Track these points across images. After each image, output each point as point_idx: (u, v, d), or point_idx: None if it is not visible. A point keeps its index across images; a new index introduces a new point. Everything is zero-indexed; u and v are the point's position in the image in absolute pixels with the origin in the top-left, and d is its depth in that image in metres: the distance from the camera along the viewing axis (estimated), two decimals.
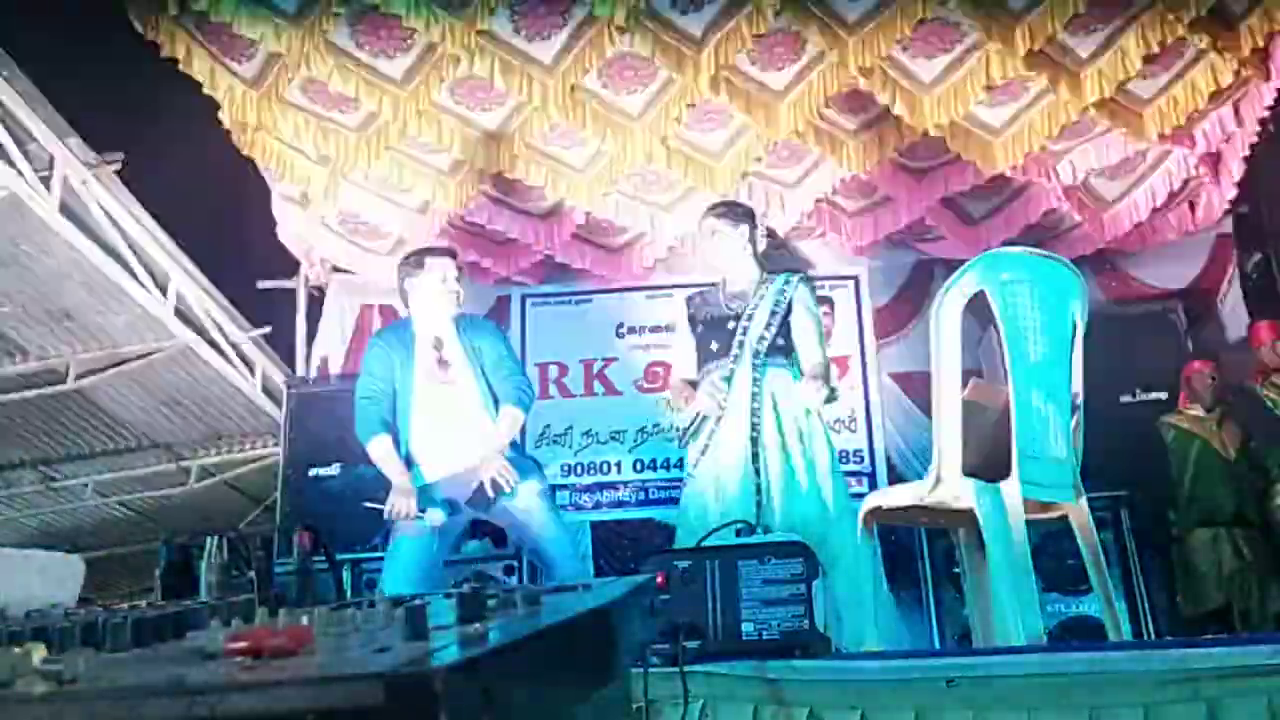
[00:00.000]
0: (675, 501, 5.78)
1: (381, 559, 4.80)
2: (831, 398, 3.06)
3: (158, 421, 6.84)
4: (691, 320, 3.26)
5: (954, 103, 4.60)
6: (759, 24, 4.15)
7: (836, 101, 4.68)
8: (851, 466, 5.71)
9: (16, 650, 0.53)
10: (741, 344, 3.06)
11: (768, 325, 3.07)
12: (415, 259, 3.40)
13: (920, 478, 2.63)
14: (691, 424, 3.12)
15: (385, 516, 3.13)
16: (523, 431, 5.85)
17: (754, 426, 2.96)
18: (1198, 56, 4.44)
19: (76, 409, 6.50)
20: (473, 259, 5.87)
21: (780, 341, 3.09)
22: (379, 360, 3.35)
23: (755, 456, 2.93)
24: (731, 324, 3.11)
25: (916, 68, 4.61)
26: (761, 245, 3.27)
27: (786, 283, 3.16)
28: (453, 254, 3.45)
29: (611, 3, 4.02)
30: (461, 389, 3.25)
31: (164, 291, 5.12)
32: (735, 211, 3.31)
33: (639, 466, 5.82)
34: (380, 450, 3.25)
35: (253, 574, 1.13)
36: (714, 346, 3.13)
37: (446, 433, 3.22)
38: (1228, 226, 5.66)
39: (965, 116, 4.70)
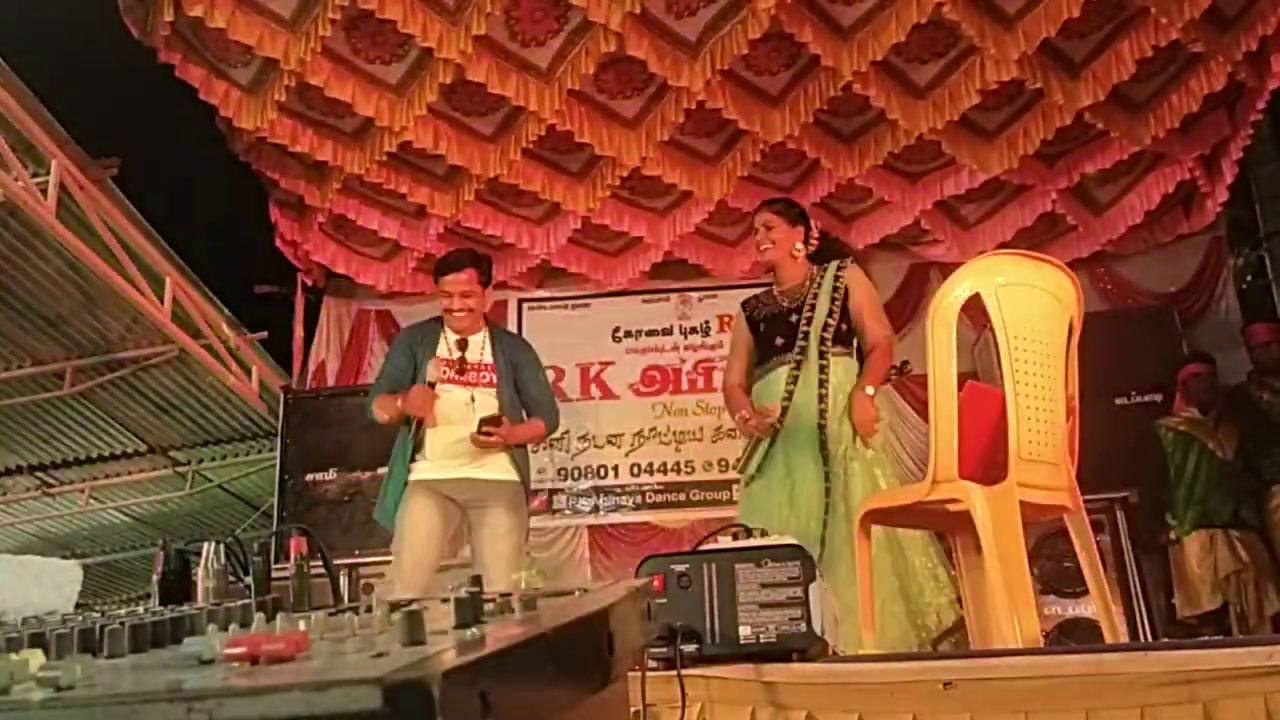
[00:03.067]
0: (672, 505, 5.82)
1: (376, 563, 4.81)
2: (900, 372, 3.11)
3: (154, 427, 6.84)
4: (751, 321, 3.27)
5: (949, 106, 4.62)
6: (754, 29, 4.16)
7: (832, 105, 4.69)
8: None
9: (14, 657, 0.53)
10: (806, 335, 3.07)
11: (830, 313, 3.08)
12: (436, 268, 3.38)
13: (916, 480, 2.63)
14: (749, 447, 3.16)
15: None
16: None
17: (821, 415, 2.97)
18: (1191, 60, 4.46)
19: (73, 414, 6.49)
20: None
21: (843, 328, 3.10)
22: (400, 351, 3.36)
23: (824, 445, 2.95)
24: (793, 317, 3.11)
25: (911, 71, 4.62)
26: (813, 245, 3.27)
27: (840, 268, 3.17)
28: (470, 265, 3.31)
29: (607, 8, 4.03)
30: (479, 393, 3.23)
31: (160, 297, 5.12)
32: (792, 209, 3.33)
33: (635, 470, 5.83)
34: (384, 402, 3.21)
35: (249, 579, 1.13)
36: (778, 342, 3.13)
37: (454, 428, 3.19)
38: (1222, 229, 5.68)
39: (960, 120, 4.72)
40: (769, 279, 3.34)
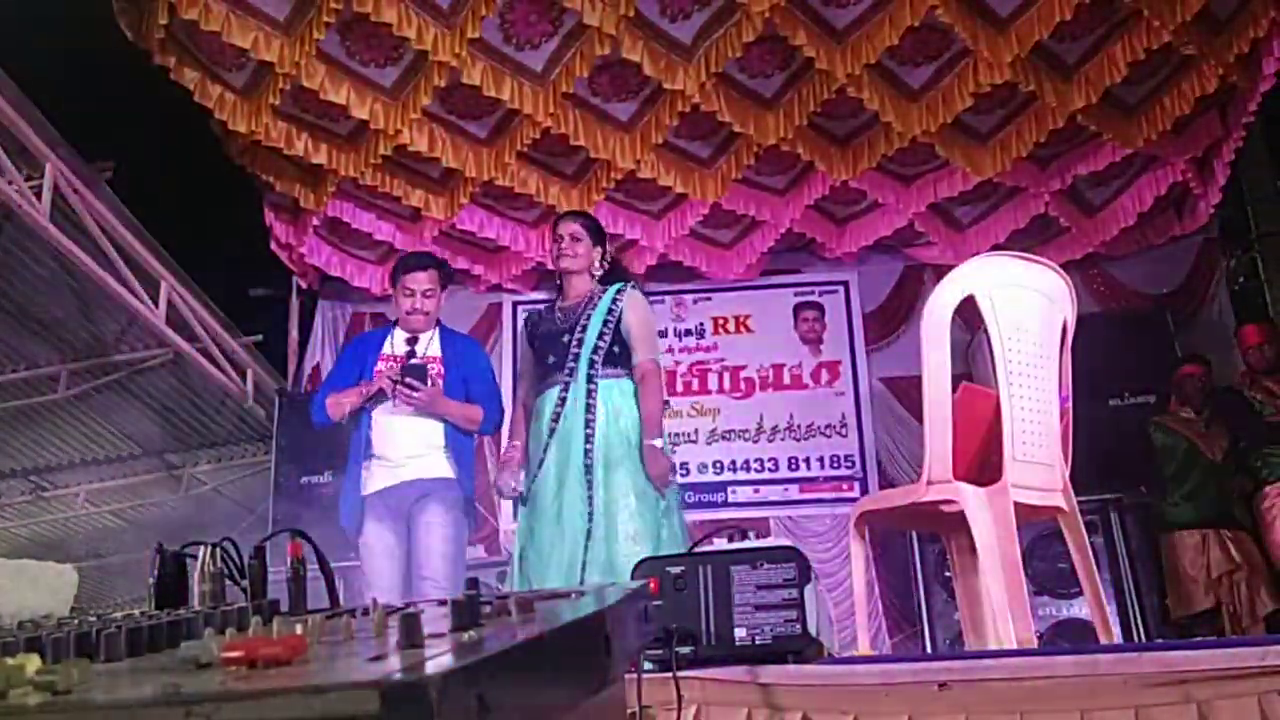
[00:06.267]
0: None
1: None
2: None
3: (150, 430, 6.82)
4: (530, 337, 3.21)
5: (942, 109, 4.63)
6: (748, 32, 4.17)
7: (826, 108, 4.70)
8: (843, 471, 5.73)
9: (10, 662, 0.53)
10: (576, 356, 3.01)
11: (600, 335, 3.02)
12: (397, 267, 3.43)
13: (911, 481, 2.63)
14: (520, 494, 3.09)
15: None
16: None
17: (588, 439, 2.93)
18: (1184, 63, 4.48)
19: (68, 418, 6.47)
20: (464, 266, 5.88)
21: (615, 350, 3.05)
22: (346, 358, 3.45)
23: (588, 469, 2.90)
24: (565, 337, 3.05)
25: (905, 74, 4.63)
26: (604, 268, 3.21)
27: (619, 291, 3.11)
28: (432, 266, 3.41)
29: (601, 11, 4.03)
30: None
31: (155, 300, 5.11)
32: (597, 227, 3.28)
33: None
34: (334, 399, 3.27)
35: (246, 582, 1.13)
36: (550, 360, 3.08)
37: (402, 432, 3.23)
38: (1214, 230, 5.70)
39: (954, 122, 4.73)
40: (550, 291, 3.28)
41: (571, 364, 3.01)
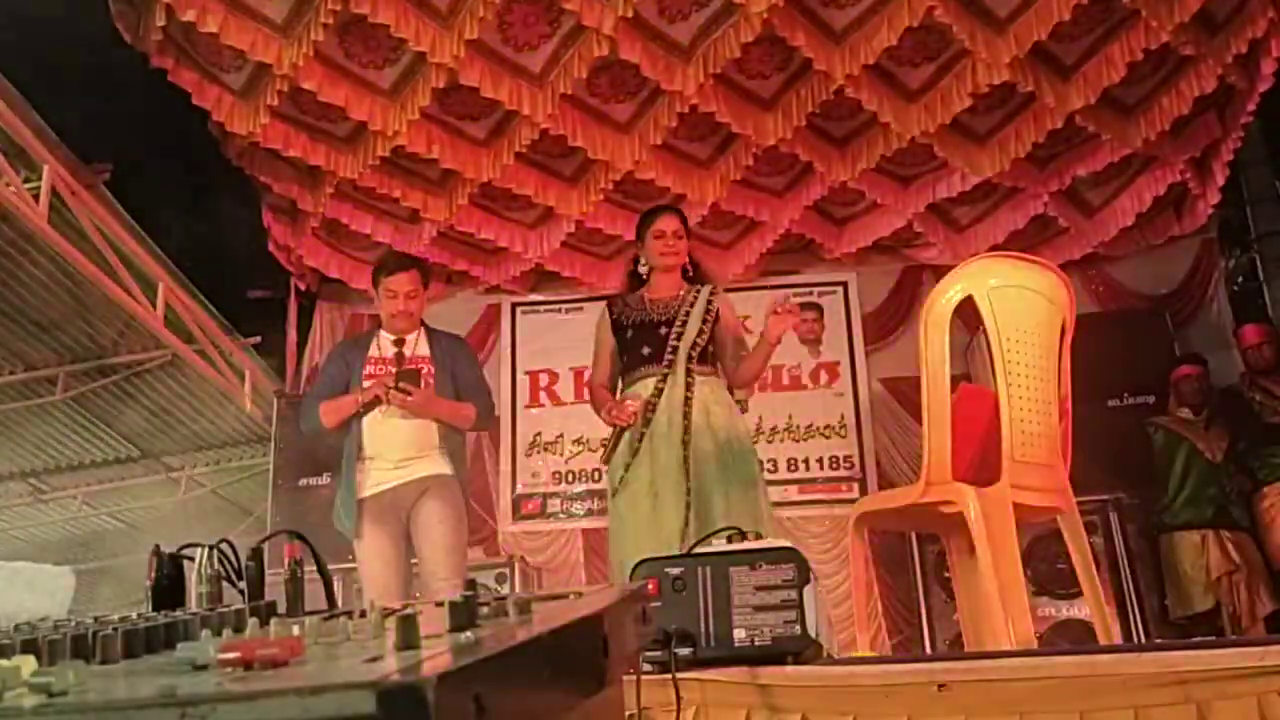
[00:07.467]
0: None
1: None
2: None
3: (147, 432, 6.82)
4: (617, 325, 3.21)
5: (941, 109, 4.63)
6: (746, 32, 4.16)
7: (824, 109, 4.70)
8: (842, 471, 5.73)
9: (5, 663, 0.53)
10: (675, 350, 3.04)
11: (700, 333, 3.07)
12: (378, 270, 3.41)
13: (910, 482, 2.63)
14: (612, 439, 3.07)
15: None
16: (513, 438, 5.89)
17: (686, 429, 2.95)
18: (1182, 63, 4.48)
19: (66, 420, 6.47)
20: (462, 267, 5.88)
21: (709, 349, 3.10)
22: (334, 363, 3.43)
23: (685, 460, 2.92)
24: (663, 329, 3.08)
25: (903, 75, 4.63)
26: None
27: (713, 293, 3.17)
28: (413, 267, 3.41)
29: (600, 12, 4.03)
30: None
31: (153, 301, 5.10)
32: (688, 224, 3.32)
33: None
34: (329, 407, 3.28)
35: (243, 584, 1.13)
36: (646, 351, 3.10)
37: (396, 434, 3.24)
38: (1213, 231, 5.70)
39: (952, 123, 4.73)
40: (613, 286, 3.32)
41: (670, 356, 3.04)
